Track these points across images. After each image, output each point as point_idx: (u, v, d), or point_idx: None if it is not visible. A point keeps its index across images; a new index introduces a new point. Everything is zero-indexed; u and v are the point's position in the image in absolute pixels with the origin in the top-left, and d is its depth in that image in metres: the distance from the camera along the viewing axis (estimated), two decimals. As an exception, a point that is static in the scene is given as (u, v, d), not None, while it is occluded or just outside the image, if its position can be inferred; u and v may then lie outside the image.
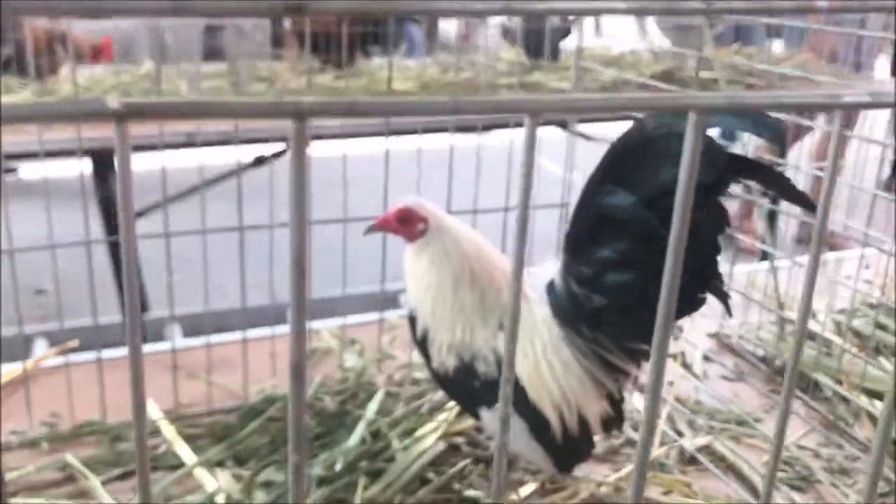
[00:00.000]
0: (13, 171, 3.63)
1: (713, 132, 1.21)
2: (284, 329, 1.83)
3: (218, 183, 2.79)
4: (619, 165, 1.17)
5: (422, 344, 1.33)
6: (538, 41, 4.15)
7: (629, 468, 1.46)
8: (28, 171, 3.64)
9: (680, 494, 1.42)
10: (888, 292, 2.05)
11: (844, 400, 1.68)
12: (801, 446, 1.58)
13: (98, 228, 2.90)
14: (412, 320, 1.34)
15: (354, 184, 1.69)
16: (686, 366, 1.83)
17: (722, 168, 1.08)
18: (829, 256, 2.33)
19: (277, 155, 3.19)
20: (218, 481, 1.33)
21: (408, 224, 1.31)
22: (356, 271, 1.88)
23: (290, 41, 4.16)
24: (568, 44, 4.32)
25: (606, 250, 1.20)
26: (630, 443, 1.56)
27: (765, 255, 2.11)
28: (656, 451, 1.51)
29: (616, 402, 1.33)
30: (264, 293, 1.69)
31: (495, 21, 4.41)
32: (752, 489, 1.45)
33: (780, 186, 1.11)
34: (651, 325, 1.25)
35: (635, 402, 1.67)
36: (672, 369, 1.80)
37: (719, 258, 1.19)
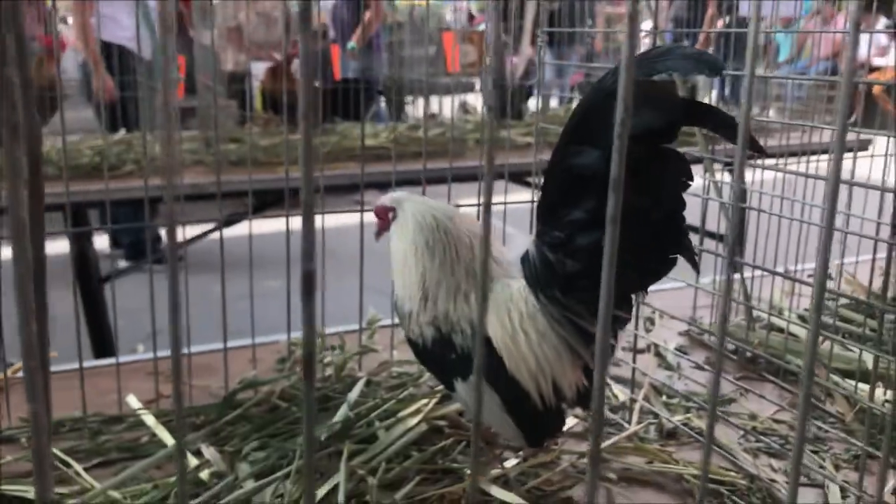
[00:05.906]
0: None
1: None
2: (263, 338, 1.85)
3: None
4: (582, 125, 1.18)
5: (401, 313, 1.35)
6: (503, 102, 4.29)
7: (610, 441, 1.48)
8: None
9: (661, 463, 1.44)
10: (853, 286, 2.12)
11: (816, 379, 1.71)
12: (776, 420, 1.61)
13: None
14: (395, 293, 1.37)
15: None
16: (660, 355, 1.86)
17: (675, 112, 1.09)
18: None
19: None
20: (204, 455, 1.33)
21: (383, 218, 1.37)
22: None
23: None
24: (531, 104, 4.47)
25: (577, 211, 1.20)
26: (609, 423, 1.58)
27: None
28: (635, 427, 1.53)
29: (592, 375, 1.34)
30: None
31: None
32: (732, 462, 1.47)
33: (729, 129, 1.10)
34: (623, 289, 1.29)
35: (614, 388, 1.70)
36: (646, 360, 1.83)
37: (685, 213, 1.18)
